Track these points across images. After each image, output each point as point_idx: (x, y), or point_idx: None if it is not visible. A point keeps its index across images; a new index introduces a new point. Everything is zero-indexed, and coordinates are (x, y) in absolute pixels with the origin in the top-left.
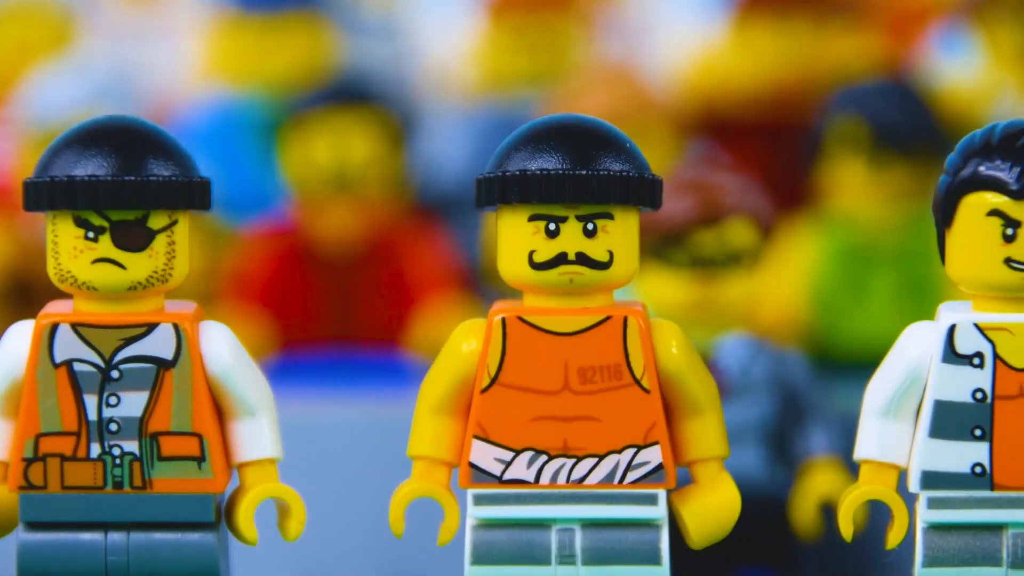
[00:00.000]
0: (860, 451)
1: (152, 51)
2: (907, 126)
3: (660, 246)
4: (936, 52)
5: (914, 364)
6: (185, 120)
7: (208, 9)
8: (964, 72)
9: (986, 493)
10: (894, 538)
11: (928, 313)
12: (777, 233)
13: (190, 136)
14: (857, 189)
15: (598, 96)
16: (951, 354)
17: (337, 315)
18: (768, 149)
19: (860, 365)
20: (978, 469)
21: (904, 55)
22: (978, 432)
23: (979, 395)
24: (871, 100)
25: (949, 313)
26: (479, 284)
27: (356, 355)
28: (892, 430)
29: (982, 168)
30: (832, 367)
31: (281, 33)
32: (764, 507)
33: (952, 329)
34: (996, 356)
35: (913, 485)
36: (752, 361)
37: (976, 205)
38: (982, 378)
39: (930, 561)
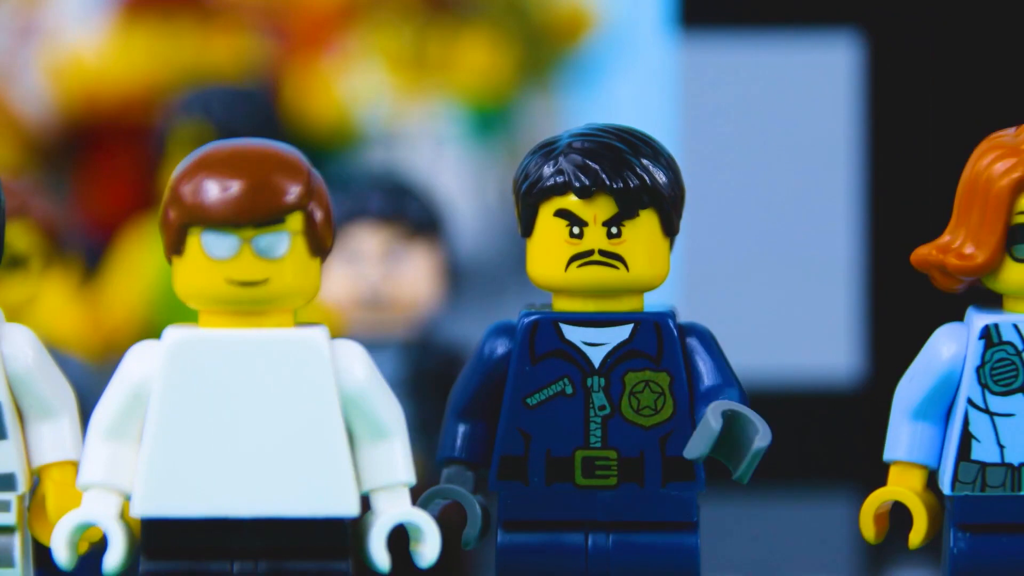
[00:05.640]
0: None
1: None
2: (249, 128)
3: None
4: (336, 56)
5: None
6: None
7: None
8: (362, 76)
9: None
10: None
11: None
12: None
13: None
14: None
15: None
16: None
17: None
18: (142, 152)
19: None
20: None
21: (300, 60)
22: None
23: None
24: (214, 103)
25: None
26: None
27: None
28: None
29: None
30: None
31: None
32: None
33: None
34: None
35: None
36: None
37: None
38: None
39: None
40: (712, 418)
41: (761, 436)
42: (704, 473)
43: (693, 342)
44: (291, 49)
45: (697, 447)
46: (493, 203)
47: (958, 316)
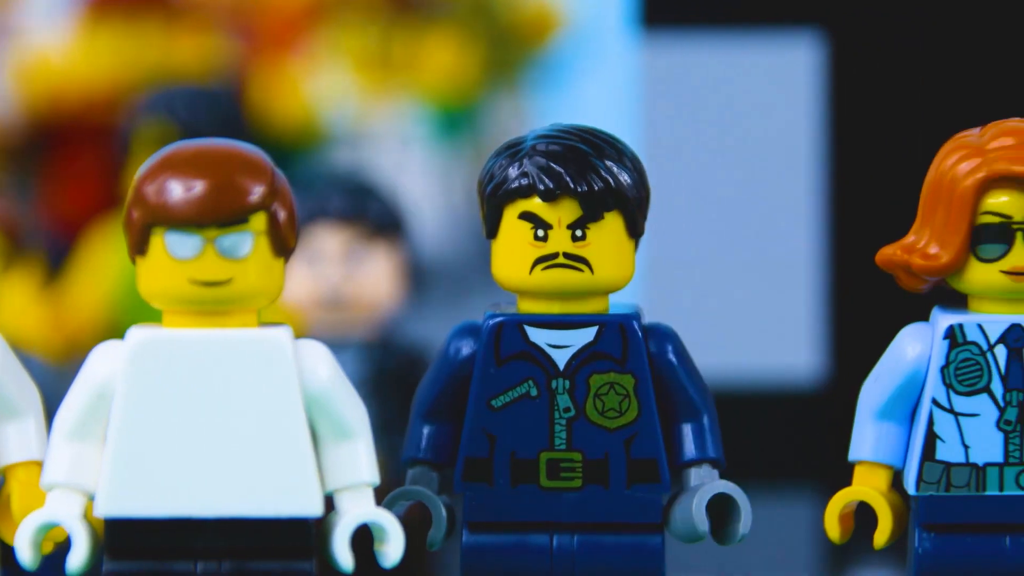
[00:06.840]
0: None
1: None
2: (213, 128)
3: None
4: (302, 56)
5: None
6: None
7: None
8: (328, 76)
9: None
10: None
11: None
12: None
13: None
14: None
15: None
16: None
17: None
18: (106, 152)
19: None
20: None
21: (266, 60)
22: None
23: None
24: (178, 103)
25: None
26: None
27: None
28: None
29: None
30: None
31: None
32: None
33: None
34: None
35: None
36: None
37: None
38: None
39: None
40: (698, 519)
41: (744, 523)
42: (669, 475)
43: (659, 348)
44: (257, 49)
45: (679, 534)
46: (459, 203)
47: (923, 316)
